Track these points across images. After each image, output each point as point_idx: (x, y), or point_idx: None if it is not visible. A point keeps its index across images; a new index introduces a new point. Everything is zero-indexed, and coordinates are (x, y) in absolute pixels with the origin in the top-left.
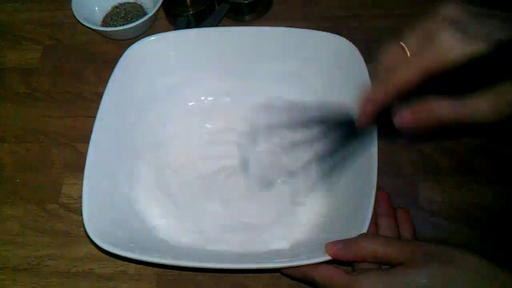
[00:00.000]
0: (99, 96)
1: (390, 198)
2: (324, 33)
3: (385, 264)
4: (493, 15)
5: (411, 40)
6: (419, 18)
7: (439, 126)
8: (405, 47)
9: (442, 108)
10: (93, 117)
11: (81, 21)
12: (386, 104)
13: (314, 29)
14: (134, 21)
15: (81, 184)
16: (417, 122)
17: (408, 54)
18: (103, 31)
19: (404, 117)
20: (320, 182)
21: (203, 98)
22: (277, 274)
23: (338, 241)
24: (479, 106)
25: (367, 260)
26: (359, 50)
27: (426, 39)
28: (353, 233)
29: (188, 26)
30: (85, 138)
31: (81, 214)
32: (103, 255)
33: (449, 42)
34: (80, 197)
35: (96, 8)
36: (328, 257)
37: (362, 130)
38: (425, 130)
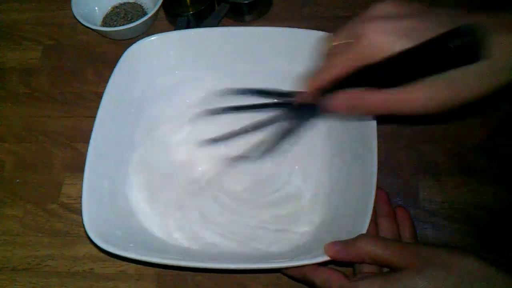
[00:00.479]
0: (99, 96)
1: (390, 198)
2: (324, 33)
3: (384, 267)
4: (433, 13)
5: (344, 35)
6: None
7: (372, 114)
8: (339, 41)
9: (371, 99)
10: (93, 117)
11: (81, 21)
12: (324, 89)
13: (314, 29)
14: (134, 21)
15: (81, 184)
16: (349, 109)
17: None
18: (103, 31)
19: (337, 104)
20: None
21: (203, 98)
22: (277, 274)
23: (337, 242)
24: (408, 99)
25: (365, 262)
26: None
27: (355, 35)
28: (353, 234)
29: (188, 26)
30: (85, 138)
31: (81, 214)
32: (103, 255)
33: (374, 39)
34: (80, 197)
35: (96, 8)
36: (327, 258)
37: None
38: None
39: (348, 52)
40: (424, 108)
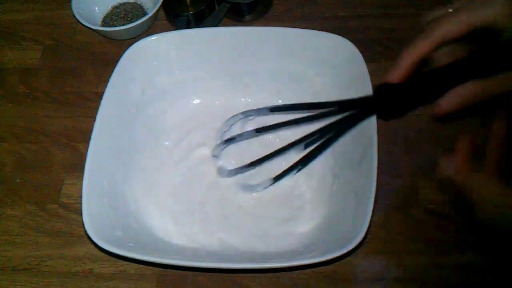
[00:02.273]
0: (99, 96)
1: (390, 197)
2: (324, 33)
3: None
4: None
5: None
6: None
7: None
8: (449, 9)
9: (488, 85)
10: (93, 117)
11: (81, 21)
12: (427, 57)
13: (314, 29)
14: (134, 21)
15: (81, 184)
16: (463, 104)
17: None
18: (103, 31)
19: (446, 102)
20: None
21: (203, 98)
22: (277, 274)
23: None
24: None
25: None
26: (359, 50)
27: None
28: (353, 234)
29: (188, 26)
30: (85, 138)
31: (81, 214)
32: (103, 255)
33: (499, 6)
34: (80, 197)
35: (96, 8)
36: (327, 258)
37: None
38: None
39: (461, 12)
40: None
